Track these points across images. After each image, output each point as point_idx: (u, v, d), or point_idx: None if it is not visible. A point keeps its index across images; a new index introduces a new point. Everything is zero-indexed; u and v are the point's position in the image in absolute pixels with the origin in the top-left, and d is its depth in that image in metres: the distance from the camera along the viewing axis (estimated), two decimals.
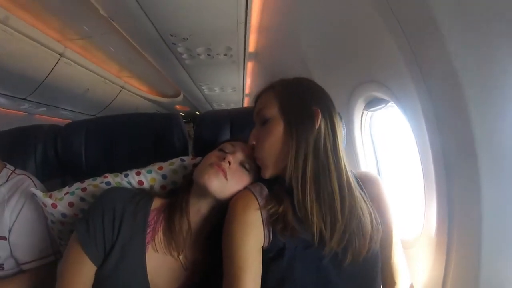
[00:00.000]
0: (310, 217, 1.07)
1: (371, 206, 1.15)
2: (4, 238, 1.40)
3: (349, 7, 1.61)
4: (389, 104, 1.57)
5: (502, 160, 0.97)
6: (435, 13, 0.97)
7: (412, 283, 1.23)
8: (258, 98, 1.24)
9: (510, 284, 1.03)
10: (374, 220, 1.13)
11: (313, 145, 1.10)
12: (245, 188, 1.20)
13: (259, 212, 1.10)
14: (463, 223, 1.09)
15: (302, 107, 1.13)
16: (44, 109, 4.96)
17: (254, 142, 1.19)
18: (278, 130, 1.12)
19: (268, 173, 1.16)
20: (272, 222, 1.08)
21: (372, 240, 1.11)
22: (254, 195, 1.13)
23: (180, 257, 1.21)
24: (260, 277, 1.05)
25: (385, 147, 2.00)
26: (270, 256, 1.08)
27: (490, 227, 1.00)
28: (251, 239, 1.07)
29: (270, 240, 1.09)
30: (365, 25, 1.50)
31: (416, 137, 1.30)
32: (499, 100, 0.96)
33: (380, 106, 1.66)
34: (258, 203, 1.11)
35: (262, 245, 1.09)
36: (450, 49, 0.97)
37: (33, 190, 1.36)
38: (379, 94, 1.57)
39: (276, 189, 1.15)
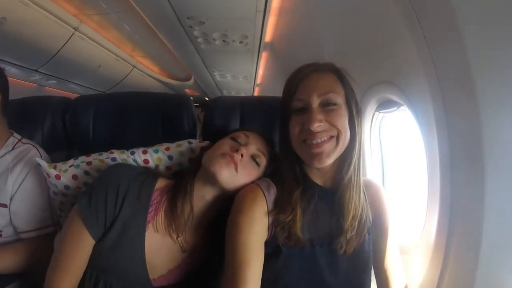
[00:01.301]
0: (345, 217, 1.10)
1: (366, 204, 1.19)
2: (5, 205, 1.41)
3: (370, 6, 1.59)
4: (402, 107, 1.55)
5: (509, 170, 0.96)
6: (456, 16, 0.95)
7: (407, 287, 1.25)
8: (312, 75, 1.13)
9: None
10: (364, 216, 1.16)
11: (361, 144, 1.13)
12: (253, 182, 1.19)
13: (266, 210, 1.10)
14: (463, 231, 1.08)
15: (357, 103, 1.14)
16: (55, 81, 5.00)
17: (320, 124, 1.05)
18: (345, 117, 1.09)
19: (330, 159, 1.08)
20: (277, 229, 1.08)
21: (362, 235, 1.15)
22: (262, 191, 1.13)
23: (179, 239, 1.22)
24: (262, 270, 1.05)
25: (393, 150, 1.98)
26: (268, 252, 1.09)
27: (490, 236, 0.99)
28: (257, 234, 1.07)
29: (271, 236, 1.09)
30: (385, 25, 1.48)
31: (425, 142, 1.29)
32: (510, 109, 0.95)
33: (393, 109, 1.64)
34: (266, 201, 1.11)
35: (265, 239, 1.09)
36: (468, 55, 0.96)
37: (38, 160, 1.37)
38: (393, 96, 1.55)
39: (290, 192, 1.12)
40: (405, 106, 1.45)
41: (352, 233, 1.11)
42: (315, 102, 1.07)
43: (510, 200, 0.97)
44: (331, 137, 1.06)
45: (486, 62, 0.95)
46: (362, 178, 1.17)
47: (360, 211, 1.13)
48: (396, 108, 1.61)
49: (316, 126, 1.04)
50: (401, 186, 1.95)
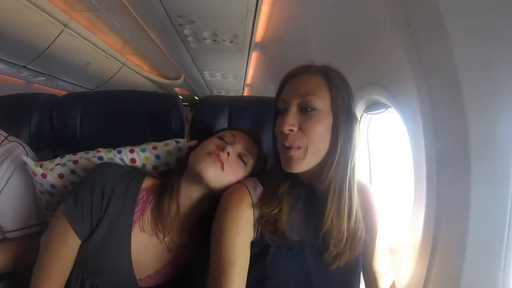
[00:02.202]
0: (327, 223, 1.07)
1: (360, 216, 1.16)
2: None
3: (360, 9, 1.60)
4: (389, 109, 1.56)
5: (495, 170, 0.97)
6: (443, 19, 0.96)
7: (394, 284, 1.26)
8: (299, 76, 1.12)
9: None
10: (360, 227, 1.13)
11: (353, 153, 1.09)
12: (239, 182, 1.19)
13: (252, 208, 1.09)
14: (449, 230, 1.09)
15: (349, 109, 1.10)
16: (43, 78, 4.96)
17: (293, 129, 1.04)
18: (326, 125, 1.06)
19: (301, 167, 1.06)
20: (262, 223, 1.07)
21: (357, 246, 1.12)
22: (248, 190, 1.12)
23: (166, 239, 1.21)
24: (247, 271, 1.05)
25: (380, 152, 2.00)
26: (255, 252, 1.08)
27: (475, 235, 1.00)
28: (242, 234, 1.06)
29: (257, 236, 1.09)
30: (374, 27, 1.50)
31: (412, 143, 1.30)
32: (497, 109, 0.96)
33: (380, 110, 1.65)
34: (252, 200, 1.10)
35: (251, 240, 1.09)
36: (455, 56, 0.97)
37: (24, 158, 1.35)
38: (381, 98, 1.56)
39: (276, 186, 1.11)
40: (392, 107, 1.46)
41: (341, 248, 1.09)
42: (294, 104, 1.06)
43: (496, 200, 0.98)
44: (299, 147, 1.04)
45: (473, 63, 0.96)
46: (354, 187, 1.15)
47: (352, 224, 1.10)
48: (384, 109, 1.62)
49: (287, 129, 1.03)
50: (388, 186, 1.97)
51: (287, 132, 1.04)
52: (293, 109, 1.06)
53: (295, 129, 1.04)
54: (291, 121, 1.04)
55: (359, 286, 1.21)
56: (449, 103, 1.05)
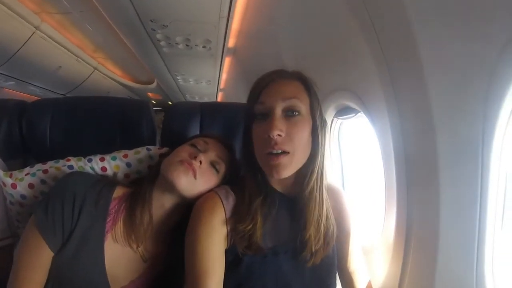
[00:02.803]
0: (306, 228, 1.10)
1: (331, 213, 1.19)
2: None
3: (330, 16, 1.62)
4: (359, 114, 1.59)
5: (462, 170, 1.00)
6: (411, 24, 0.99)
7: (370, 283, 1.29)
8: (279, 80, 1.11)
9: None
10: (331, 223, 1.16)
11: (324, 155, 1.12)
12: (211, 190, 1.18)
13: (224, 218, 1.09)
14: (421, 229, 1.12)
15: (321, 113, 1.12)
16: (13, 83, 4.87)
17: (280, 134, 1.03)
18: (307, 129, 1.07)
19: (288, 173, 1.07)
20: (237, 239, 1.07)
21: (331, 242, 1.15)
22: (221, 199, 1.12)
23: (139, 249, 1.20)
24: (223, 279, 1.05)
25: (351, 155, 2.03)
26: (229, 260, 1.08)
27: (447, 233, 1.02)
28: (216, 243, 1.06)
29: (231, 244, 1.09)
30: (344, 34, 1.52)
31: (381, 146, 1.32)
32: (463, 111, 0.99)
33: (351, 115, 1.68)
34: (224, 210, 1.10)
35: (225, 247, 1.09)
36: (422, 60, 0.99)
37: None
38: (350, 103, 1.58)
39: (250, 200, 1.11)
40: (362, 112, 1.49)
41: (318, 246, 1.11)
42: (279, 106, 1.05)
43: (465, 197, 1.01)
44: (286, 152, 1.03)
45: (440, 67, 0.99)
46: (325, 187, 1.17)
47: (324, 221, 1.13)
48: (354, 114, 1.65)
49: (276, 134, 1.02)
50: (360, 188, 2.00)
51: (276, 137, 1.02)
52: (278, 113, 1.05)
53: (283, 134, 1.03)
54: (279, 125, 1.03)
55: (335, 287, 1.23)
56: (416, 107, 1.08)
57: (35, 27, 3.80)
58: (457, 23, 0.95)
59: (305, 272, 1.13)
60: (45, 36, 4.04)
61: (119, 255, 1.17)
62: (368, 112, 1.40)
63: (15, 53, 3.99)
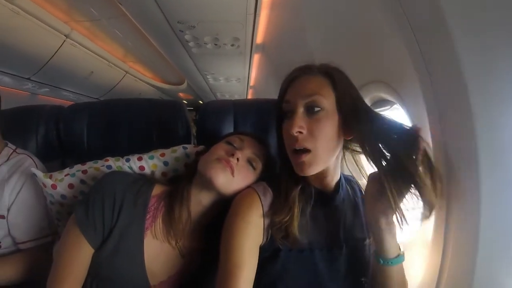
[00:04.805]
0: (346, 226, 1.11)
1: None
2: (2, 216, 1.41)
3: (359, 5, 1.60)
4: (395, 106, 1.56)
5: (503, 166, 0.97)
6: (445, 14, 0.96)
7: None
8: (301, 77, 1.11)
9: None
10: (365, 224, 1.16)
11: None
12: (249, 187, 1.18)
13: (262, 213, 1.08)
14: (460, 227, 1.08)
15: (356, 107, 1.08)
16: (47, 89, 4.98)
17: (302, 131, 1.03)
18: (331, 124, 1.05)
19: (314, 170, 1.06)
20: (274, 230, 1.07)
21: (365, 244, 1.15)
22: (258, 195, 1.11)
23: (178, 245, 1.21)
24: (254, 275, 1.04)
25: None
26: (265, 256, 1.08)
27: (487, 231, 0.99)
28: (251, 238, 1.06)
29: (268, 240, 1.08)
30: (375, 23, 1.49)
31: None
32: (501, 105, 0.96)
33: (386, 108, 1.65)
34: (262, 205, 1.09)
35: (261, 244, 1.08)
36: (458, 51, 0.96)
37: (34, 170, 1.36)
38: (385, 95, 1.55)
39: (287, 192, 1.11)
40: (397, 104, 1.46)
41: (353, 242, 1.11)
42: (300, 105, 1.05)
43: (506, 195, 0.98)
44: (308, 151, 1.03)
45: (475, 58, 0.96)
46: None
47: (358, 218, 1.13)
48: (389, 106, 1.62)
49: (296, 131, 1.02)
50: None
51: (296, 134, 1.03)
52: (300, 110, 1.05)
53: (304, 131, 1.03)
54: (299, 122, 1.03)
55: (369, 286, 1.19)
56: (455, 100, 1.04)
57: (65, 35, 3.91)
58: (495, 13, 0.92)
59: (339, 271, 1.12)
60: (76, 43, 4.15)
61: (158, 251, 1.19)
62: (404, 104, 1.37)
63: (47, 62, 4.10)
